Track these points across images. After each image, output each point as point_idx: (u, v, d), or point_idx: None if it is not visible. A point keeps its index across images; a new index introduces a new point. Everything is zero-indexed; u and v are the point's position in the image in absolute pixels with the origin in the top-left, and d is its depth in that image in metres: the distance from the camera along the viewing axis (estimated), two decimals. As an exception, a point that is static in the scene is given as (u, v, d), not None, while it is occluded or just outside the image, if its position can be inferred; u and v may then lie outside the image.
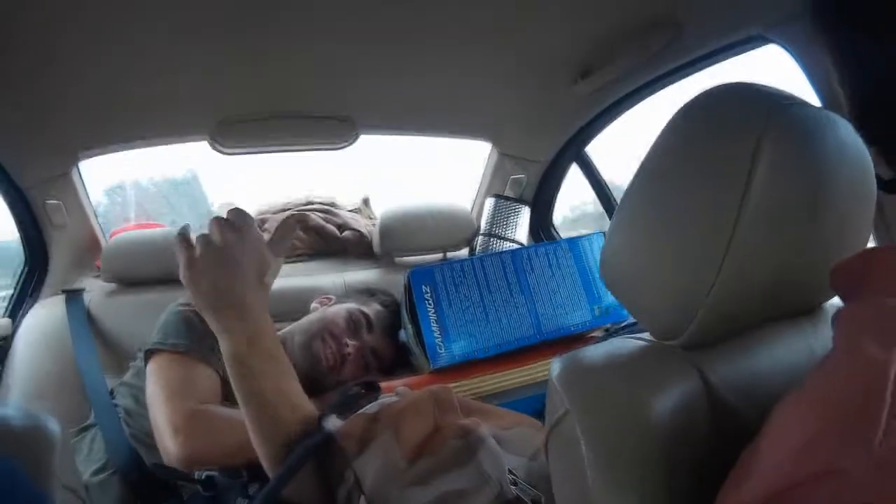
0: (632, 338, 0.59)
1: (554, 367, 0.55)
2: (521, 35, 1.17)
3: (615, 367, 0.54)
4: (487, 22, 1.11)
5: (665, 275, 0.51)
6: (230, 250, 0.81)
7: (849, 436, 0.31)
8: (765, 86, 0.50)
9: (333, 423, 0.81)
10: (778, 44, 0.97)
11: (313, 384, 1.16)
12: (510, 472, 0.75)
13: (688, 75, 1.28)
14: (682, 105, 0.53)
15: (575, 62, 1.28)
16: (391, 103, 1.51)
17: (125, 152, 1.63)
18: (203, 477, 0.91)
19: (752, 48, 1.08)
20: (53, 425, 0.56)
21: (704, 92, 0.52)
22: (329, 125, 1.55)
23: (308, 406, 0.85)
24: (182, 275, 0.81)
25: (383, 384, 0.98)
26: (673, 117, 0.53)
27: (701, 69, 1.23)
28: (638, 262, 0.53)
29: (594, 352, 0.56)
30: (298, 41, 1.14)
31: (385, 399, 0.86)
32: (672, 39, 1.09)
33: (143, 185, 2.79)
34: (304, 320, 1.31)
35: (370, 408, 0.82)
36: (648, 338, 0.57)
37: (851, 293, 0.42)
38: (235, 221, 0.83)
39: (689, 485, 0.46)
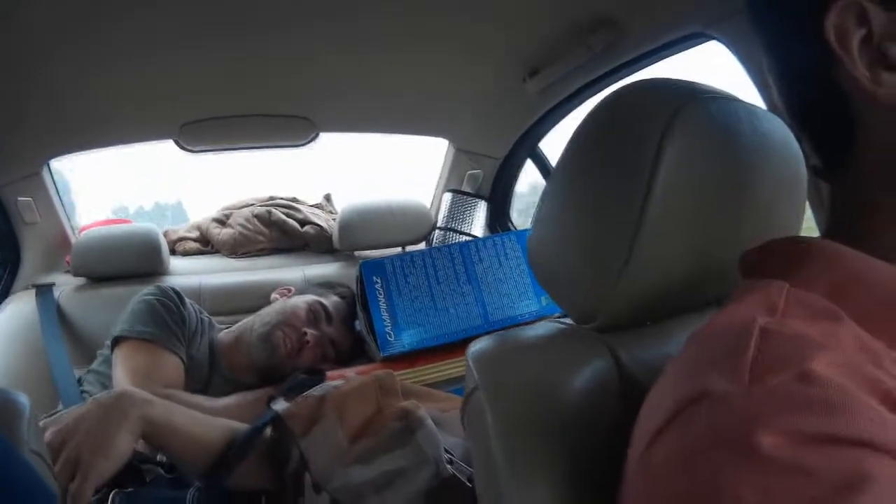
0: (554, 322, 0.63)
1: (470, 347, 0.59)
2: (472, 35, 1.21)
3: (530, 346, 0.57)
4: (440, 23, 1.14)
5: (579, 263, 0.54)
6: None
7: (721, 364, 0.35)
8: (680, 81, 0.53)
9: (281, 405, 0.85)
10: (718, 40, 0.99)
11: (271, 373, 1.22)
12: (447, 451, 0.79)
13: (634, 72, 1.29)
14: (589, 111, 0.55)
15: (522, 61, 1.32)
16: (349, 103, 1.54)
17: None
18: (165, 460, 0.92)
19: (696, 45, 1.10)
20: (22, 398, 0.59)
21: (617, 89, 0.55)
22: (289, 124, 1.59)
23: (225, 423, 0.91)
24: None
25: (336, 372, 1.02)
26: (589, 113, 0.55)
27: (646, 66, 1.25)
28: (557, 251, 0.57)
29: (514, 333, 0.60)
30: (257, 44, 1.17)
31: (332, 383, 0.90)
32: (614, 39, 1.13)
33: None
34: (264, 311, 1.35)
35: (315, 390, 0.87)
36: (570, 322, 0.60)
37: (749, 275, 0.45)
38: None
39: (598, 455, 0.49)
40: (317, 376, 0.98)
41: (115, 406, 0.81)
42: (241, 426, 0.87)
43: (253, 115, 1.54)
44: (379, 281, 1.20)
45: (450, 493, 0.75)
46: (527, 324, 1.28)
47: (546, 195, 0.59)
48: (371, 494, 0.76)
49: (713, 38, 1.00)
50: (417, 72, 1.39)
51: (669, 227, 0.49)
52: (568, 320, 0.62)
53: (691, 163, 0.48)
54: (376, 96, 1.51)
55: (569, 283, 0.57)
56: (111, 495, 0.82)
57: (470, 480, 0.76)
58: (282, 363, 1.23)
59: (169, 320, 1.23)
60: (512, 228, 2.00)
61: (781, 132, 0.52)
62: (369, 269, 1.21)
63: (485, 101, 1.54)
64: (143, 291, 1.30)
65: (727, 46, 0.97)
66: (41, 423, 1.21)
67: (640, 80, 0.55)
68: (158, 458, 0.94)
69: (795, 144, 0.53)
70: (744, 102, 0.52)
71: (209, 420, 0.88)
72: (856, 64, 0.38)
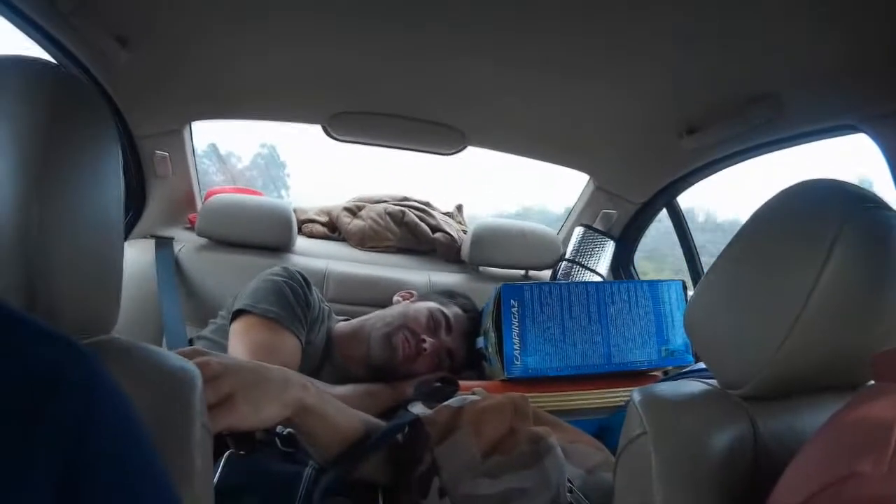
0: (701, 381, 0.69)
1: (635, 394, 0.66)
2: (634, 83, 1.24)
3: (686, 403, 0.64)
4: (604, 65, 1.17)
5: (739, 336, 0.62)
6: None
7: (865, 447, 0.43)
8: (844, 185, 0.60)
9: (419, 409, 0.92)
10: (869, 136, 1.02)
11: (385, 372, 1.27)
12: (569, 480, 0.85)
13: (784, 147, 1.33)
14: (768, 199, 0.64)
15: (682, 117, 1.35)
16: (502, 122, 1.59)
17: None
18: (284, 433, 0.93)
19: (847, 134, 1.13)
20: (194, 368, 0.59)
21: (787, 189, 0.63)
22: (439, 132, 1.63)
23: (363, 416, 0.93)
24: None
25: (466, 384, 1.08)
26: (760, 209, 0.64)
27: (797, 144, 1.28)
28: (718, 320, 0.65)
29: (669, 387, 0.67)
30: (417, 46, 1.20)
31: (468, 396, 0.97)
32: (773, 116, 1.15)
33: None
34: (386, 312, 1.39)
35: (454, 401, 0.94)
36: (713, 383, 0.67)
37: (882, 377, 0.52)
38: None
39: None
40: (451, 386, 1.05)
41: (279, 377, 0.82)
42: (378, 421, 0.92)
43: (406, 116, 1.58)
44: (516, 305, 1.26)
45: (565, 520, 0.81)
46: (643, 372, 1.32)
47: (716, 268, 0.67)
48: None
49: (864, 133, 1.03)
50: (573, 105, 1.42)
51: (826, 319, 0.56)
52: (713, 381, 0.68)
53: (855, 265, 0.55)
54: (529, 121, 1.55)
55: (725, 352, 0.64)
56: (226, 454, 0.85)
57: None
58: (398, 365, 1.27)
59: (294, 303, 1.25)
60: (634, 272, 2.02)
61: None
62: (508, 291, 1.27)
63: (636, 147, 1.57)
64: (271, 271, 1.32)
65: (876, 143, 1.00)
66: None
67: (811, 181, 0.62)
68: (278, 429, 0.94)
69: None
70: None
71: (349, 411, 0.91)
72: None
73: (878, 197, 0.59)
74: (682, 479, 0.57)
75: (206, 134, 2.22)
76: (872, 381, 0.54)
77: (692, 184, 1.70)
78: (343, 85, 1.45)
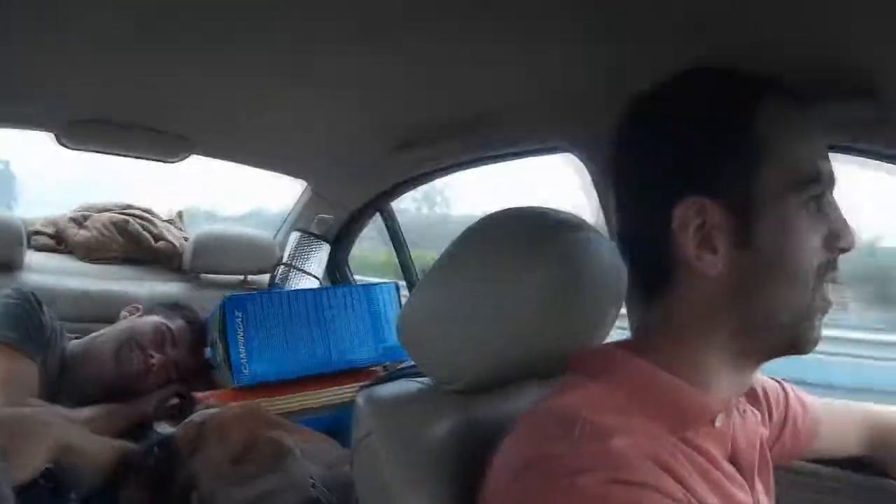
0: (417, 381, 0.78)
1: (359, 398, 0.72)
2: (350, 98, 1.30)
3: (405, 402, 0.73)
4: (327, 78, 1.20)
5: (453, 340, 0.71)
6: None
7: (558, 430, 0.53)
8: (548, 211, 0.71)
9: (164, 428, 0.91)
10: (577, 157, 1.14)
11: (119, 389, 1.25)
12: (311, 477, 0.91)
13: (500, 162, 1.47)
14: (479, 219, 0.74)
15: (395, 133, 1.45)
16: (224, 131, 1.59)
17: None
18: (43, 469, 0.90)
19: (560, 153, 1.25)
20: None
21: (496, 213, 0.74)
22: (165, 140, 1.60)
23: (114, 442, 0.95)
24: None
25: (201, 395, 1.09)
26: (474, 226, 0.73)
27: (511, 160, 1.42)
28: (434, 325, 0.73)
29: (390, 389, 0.75)
30: (152, 60, 1.17)
31: (208, 410, 0.98)
32: (486, 136, 1.29)
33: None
34: (115, 328, 1.37)
35: (197, 416, 0.94)
36: (428, 381, 0.76)
37: (575, 371, 0.64)
38: None
39: (458, 490, 0.65)
40: (190, 401, 1.04)
41: (38, 421, 0.85)
42: (129, 445, 0.91)
43: (135, 125, 1.54)
44: (241, 315, 1.28)
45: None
46: (364, 369, 1.44)
47: (429, 279, 0.76)
48: None
49: (573, 154, 1.15)
50: (290, 114, 1.45)
51: (531, 323, 0.67)
52: (426, 379, 0.77)
53: (554, 279, 0.66)
54: (249, 129, 1.57)
55: (440, 354, 0.73)
56: None
57: (329, 502, 0.89)
58: (129, 382, 1.27)
59: (29, 325, 1.22)
60: (349, 274, 2.14)
61: (612, 256, 0.69)
62: (233, 303, 1.29)
63: (351, 156, 1.66)
64: (2, 293, 1.28)
65: (585, 165, 1.14)
66: None
67: (522, 207, 0.73)
68: None
69: (622, 266, 0.67)
70: (592, 232, 0.70)
71: (103, 440, 0.93)
72: (688, 244, 0.56)
73: (578, 218, 0.71)
74: (411, 469, 0.65)
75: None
76: (568, 375, 0.63)
77: (407, 191, 1.83)
78: (75, 93, 1.37)
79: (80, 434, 0.90)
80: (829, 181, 0.59)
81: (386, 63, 1.08)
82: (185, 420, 0.95)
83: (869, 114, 0.79)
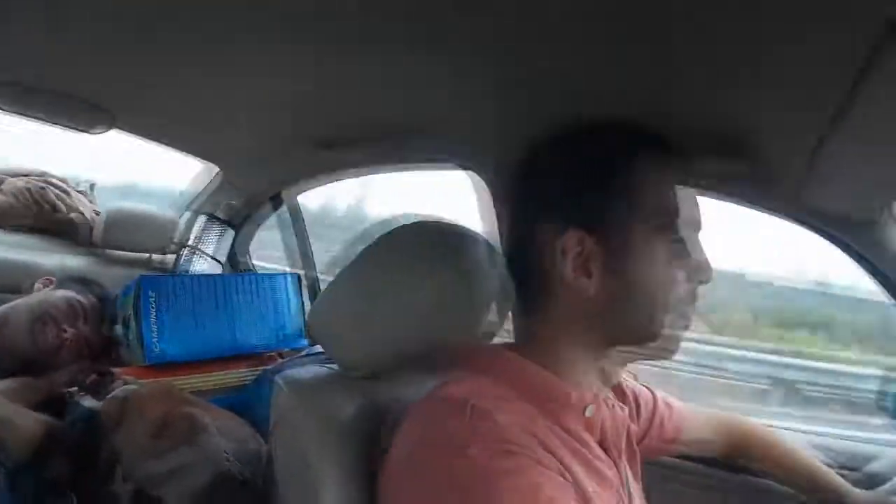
0: (327, 367, 0.89)
1: (278, 381, 0.83)
2: (275, 92, 1.29)
3: (319, 385, 0.83)
4: (250, 69, 1.18)
5: (361, 332, 0.81)
6: None
7: (450, 413, 0.62)
8: (447, 225, 0.82)
9: (90, 401, 0.98)
10: (482, 178, 1.21)
11: (36, 362, 1.27)
12: (225, 452, 1.01)
13: (408, 171, 1.57)
14: (392, 230, 0.83)
15: (313, 133, 1.47)
16: (146, 109, 1.56)
17: None
18: None
19: (465, 169, 1.29)
20: None
21: (407, 225, 0.84)
22: (89, 111, 1.55)
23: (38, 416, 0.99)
24: None
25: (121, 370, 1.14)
26: (385, 237, 0.83)
27: (421, 170, 1.52)
28: (339, 322, 0.84)
29: (306, 373, 0.86)
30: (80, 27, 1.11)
31: (128, 386, 1.05)
32: (396, 147, 1.35)
33: None
34: (29, 300, 1.38)
35: (119, 392, 1.01)
36: (335, 367, 0.87)
37: (462, 365, 0.74)
38: None
39: (365, 462, 0.74)
40: (109, 376, 1.10)
41: None
42: (53, 420, 0.96)
43: (58, 92, 1.47)
44: (154, 295, 1.34)
45: (227, 484, 0.96)
46: (264, 353, 1.53)
47: (339, 279, 0.86)
48: (165, 484, 0.93)
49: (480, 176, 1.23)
50: (214, 101, 1.43)
51: (429, 323, 0.78)
52: (335, 366, 0.88)
53: (450, 283, 0.77)
54: (171, 110, 1.54)
55: (350, 345, 0.84)
56: None
57: (241, 475, 0.99)
58: (43, 355, 1.28)
59: None
60: (250, 261, 2.20)
61: (491, 257, 0.79)
62: (147, 283, 1.35)
63: (270, 150, 1.67)
64: None
65: (488, 189, 1.21)
66: None
67: (415, 224, 0.84)
68: None
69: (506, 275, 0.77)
70: (486, 246, 0.80)
71: (26, 411, 0.96)
72: (568, 268, 0.66)
73: (474, 232, 0.81)
74: (325, 444, 0.74)
75: None
76: (457, 370, 0.71)
77: (311, 188, 1.90)
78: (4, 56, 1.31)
79: (6, 406, 0.92)
80: (695, 225, 0.73)
81: (303, 63, 1.09)
82: (109, 395, 1.01)
83: (741, 170, 0.93)
